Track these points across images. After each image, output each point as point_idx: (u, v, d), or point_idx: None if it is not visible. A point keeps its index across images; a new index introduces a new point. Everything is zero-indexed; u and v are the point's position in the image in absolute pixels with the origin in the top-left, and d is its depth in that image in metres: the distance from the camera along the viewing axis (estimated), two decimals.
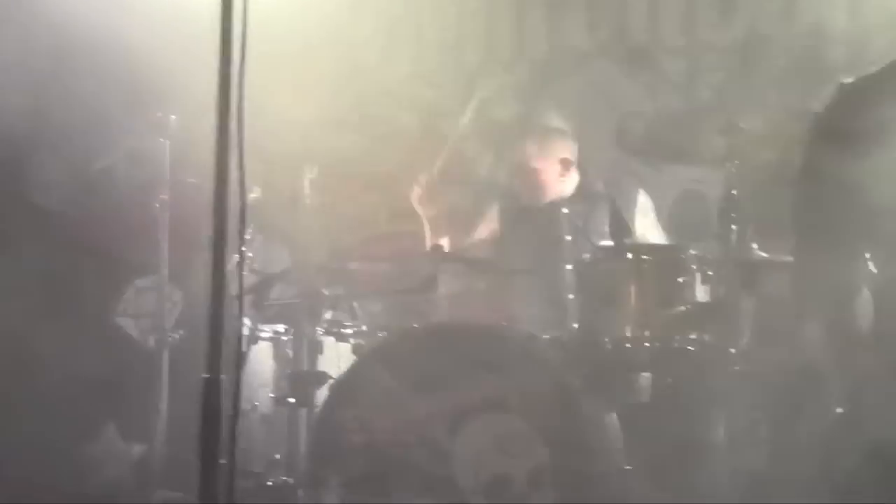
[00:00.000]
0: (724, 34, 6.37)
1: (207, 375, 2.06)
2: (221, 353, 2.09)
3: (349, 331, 4.94)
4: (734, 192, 4.77)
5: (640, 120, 6.40)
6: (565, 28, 6.54)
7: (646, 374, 4.79)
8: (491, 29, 6.58)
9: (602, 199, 5.39)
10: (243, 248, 5.07)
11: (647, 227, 5.50)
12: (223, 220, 2.09)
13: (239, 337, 2.15)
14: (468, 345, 4.47)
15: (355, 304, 5.11)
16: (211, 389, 2.06)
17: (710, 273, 4.70)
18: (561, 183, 5.47)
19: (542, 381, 4.40)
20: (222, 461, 2.05)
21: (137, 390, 5.42)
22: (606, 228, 5.19)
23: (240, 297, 2.23)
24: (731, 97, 6.30)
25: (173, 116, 5.16)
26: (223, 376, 2.08)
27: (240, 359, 2.15)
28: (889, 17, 5.40)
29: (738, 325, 4.88)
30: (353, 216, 6.09)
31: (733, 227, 4.77)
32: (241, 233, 2.13)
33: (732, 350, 4.80)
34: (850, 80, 3.11)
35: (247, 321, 5.17)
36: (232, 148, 2.18)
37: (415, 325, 4.70)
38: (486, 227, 5.67)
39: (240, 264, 2.13)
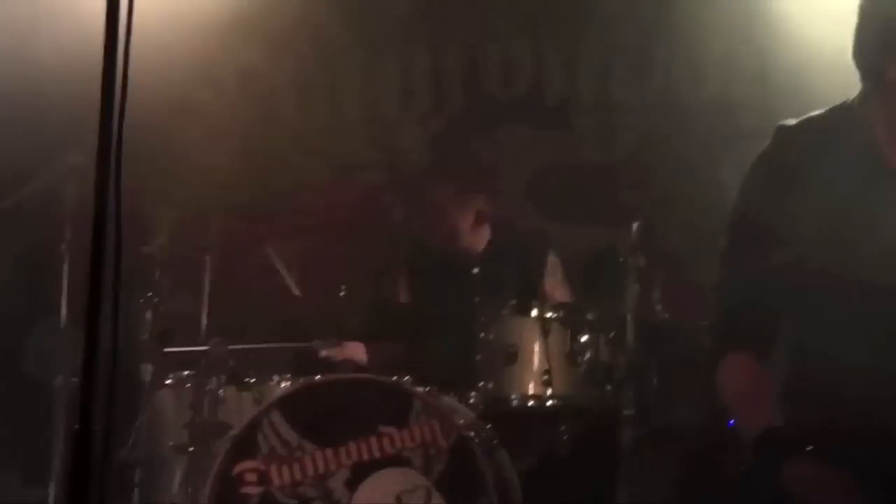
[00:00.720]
0: (638, 95, 6.45)
1: (78, 426, 2.00)
2: (93, 403, 2.03)
3: (252, 380, 4.90)
4: (639, 252, 4.83)
5: (554, 177, 6.45)
6: (482, 83, 6.58)
7: (549, 431, 4.83)
8: (407, 81, 6.60)
9: (511, 255, 5.41)
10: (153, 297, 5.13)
11: (556, 285, 5.53)
12: (98, 267, 2.04)
13: (112, 387, 2.08)
14: (370, 399, 4.45)
15: (259, 354, 5.08)
16: (80, 441, 1.99)
17: (614, 333, 4.73)
18: (473, 234, 5.47)
19: (443, 439, 4.38)
20: None
21: (39, 435, 5.36)
22: (514, 286, 5.25)
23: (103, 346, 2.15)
24: (643, 158, 6.37)
25: (81, 157, 5.12)
26: (95, 426, 2.02)
27: (111, 409, 2.08)
28: (792, 86, 5.50)
29: (640, 386, 4.92)
30: (261, 265, 6.06)
31: (637, 286, 4.83)
32: (116, 286, 2.07)
33: (632, 411, 4.84)
34: (791, 122, 3.09)
35: (150, 368, 5.12)
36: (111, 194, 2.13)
37: (318, 378, 4.68)
38: (399, 280, 5.66)
39: (114, 315, 2.07)
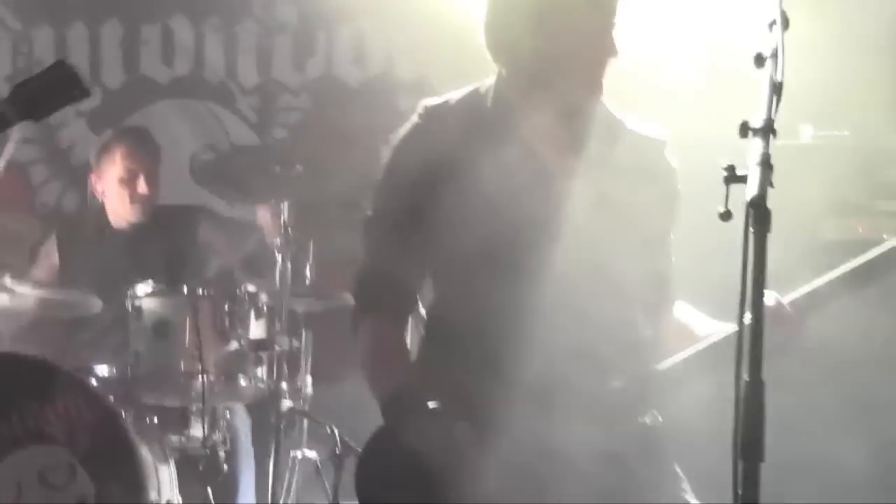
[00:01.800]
0: (299, 76, 6.52)
1: None
2: None
3: None
4: (290, 230, 4.91)
5: (213, 155, 6.46)
6: (141, 60, 6.52)
7: (199, 406, 4.83)
8: (63, 55, 6.47)
9: (166, 231, 5.38)
10: None
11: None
12: None
13: None
14: (12, 374, 4.36)
15: None
16: None
17: (265, 309, 4.78)
18: (127, 210, 5.39)
19: (90, 414, 4.33)
20: None
21: None
22: (168, 261, 5.23)
23: None
24: (303, 136, 6.45)
25: None
26: None
27: None
28: (455, 68, 5.64)
29: (292, 363, 4.99)
30: None
31: (288, 264, 4.90)
32: None
33: (285, 385, 4.91)
34: (435, 101, 3.11)
35: None
36: None
37: None
38: (47, 257, 5.54)
39: None
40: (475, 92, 3.10)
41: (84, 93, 2.68)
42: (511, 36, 2.97)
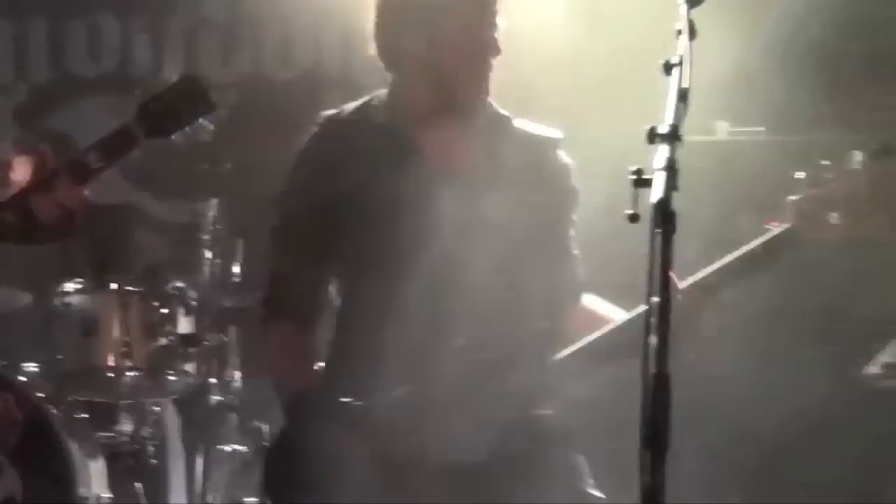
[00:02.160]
0: (227, 72, 6.53)
1: None
2: None
3: None
4: (219, 226, 4.95)
5: (142, 152, 6.44)
6: (68, 56, 6.50)
7: (128, 403, 4.87)
8: None
9: (96, 228, 5.38)
10: None
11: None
12: None
13: None
14: None
15: None
16: None
17: (194, 305, 4.82)
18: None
19: (17, 411, 4.34)
20: None
21: None
22: (99, 258, 5.25)
23: None
24: (229, 134, 6.45)
25: None
26: None
27: None
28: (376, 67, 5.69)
29: (221, 358, 5.04)
30: None
31: (217, 261, 4.94)
32: None
33: (213, 380, 4.95)
34: (332, 112, 3.21)
35: None
36: None
37: None
38: None
39: None
40: (371, 99, 3.19)
41: (210, 107, 2.69)
42: (399, 42, 3.08)
